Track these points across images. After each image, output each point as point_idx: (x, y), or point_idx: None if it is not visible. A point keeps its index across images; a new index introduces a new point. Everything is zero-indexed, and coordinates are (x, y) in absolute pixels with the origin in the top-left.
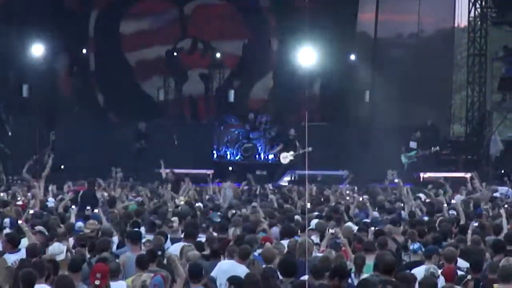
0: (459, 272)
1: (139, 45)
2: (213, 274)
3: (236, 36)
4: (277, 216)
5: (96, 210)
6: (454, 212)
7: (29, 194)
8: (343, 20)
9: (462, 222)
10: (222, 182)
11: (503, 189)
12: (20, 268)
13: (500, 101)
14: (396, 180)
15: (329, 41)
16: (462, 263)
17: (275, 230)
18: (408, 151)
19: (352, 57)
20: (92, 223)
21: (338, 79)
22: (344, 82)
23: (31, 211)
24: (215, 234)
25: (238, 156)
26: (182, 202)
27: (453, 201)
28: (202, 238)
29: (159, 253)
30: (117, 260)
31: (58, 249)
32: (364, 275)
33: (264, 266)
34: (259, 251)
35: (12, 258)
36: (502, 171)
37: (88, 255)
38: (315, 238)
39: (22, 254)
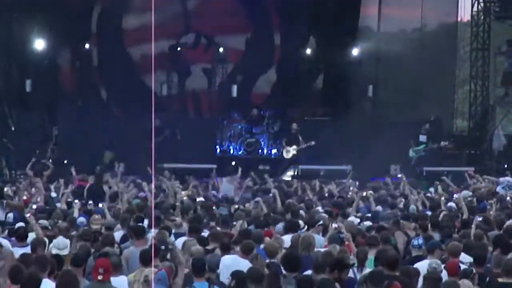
0: (462, 266)
1: (142, 40)
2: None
3: (239, 30)
4: (280, 211)
5: (100, 205)
6: (453, 205)
7: (32, 189)
8: (346, 15)
9: (465, 216)
10: (221, 177)
11: (504, 180)
12: (22, 262)
13: (503, 95)
14: (399, 175)
15: (332, 36)
16: (465, 258)
17: (280, 226)
18: (417, 145)
19: (355, 51)
20: (97, 218)
21: (341, 73)
22: (347, 76)
23: (34, 206)
24: (218, 228)
25: (241, 151)
26: (185, 197)
27: (455, 196)
28: (204, 233)
29: (163, 248)
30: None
31: (63, 244)
32: (367, 269)
33: (267, 261)
34: (262, 246)
35: (19, 252)
36: (505, 166)
37: (92, 250)
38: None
39: (29, 249)
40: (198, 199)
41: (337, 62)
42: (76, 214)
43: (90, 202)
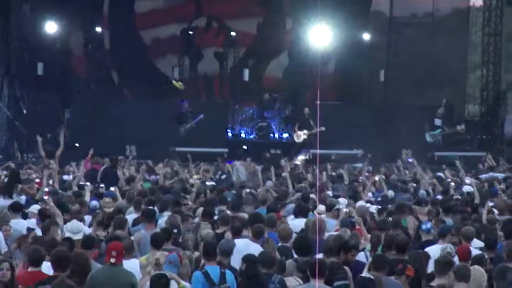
0: (473, 251)
1: (154, 24)
2: None
3: (251, 14)
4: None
5: (112, 188)
6: (469, 189)
7: (44, 172)
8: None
9: (476, 201)
10: (234, 160)
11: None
12: (33, 244)
13: None
14: (410, 160)
15: (343, 20)
16: (476, 242)
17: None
18: (433, 129)
19: (367, 36)
20: (108, 201)
21: (352, 58)
22: (358, 61)
23: (46, 189)
24: (228, 212)
25: (253, 135)
26: (197, 181)
27: (466, 181)
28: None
29: (175, 231)
30: (132, 238)
31: (76, 228)
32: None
33: (279, 244)
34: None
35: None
36: None
37: (104, 233)
38: (326, 217)
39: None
40: (208, 183)
41: (348, 47)
42: (87, 197)
43: (102, 185)
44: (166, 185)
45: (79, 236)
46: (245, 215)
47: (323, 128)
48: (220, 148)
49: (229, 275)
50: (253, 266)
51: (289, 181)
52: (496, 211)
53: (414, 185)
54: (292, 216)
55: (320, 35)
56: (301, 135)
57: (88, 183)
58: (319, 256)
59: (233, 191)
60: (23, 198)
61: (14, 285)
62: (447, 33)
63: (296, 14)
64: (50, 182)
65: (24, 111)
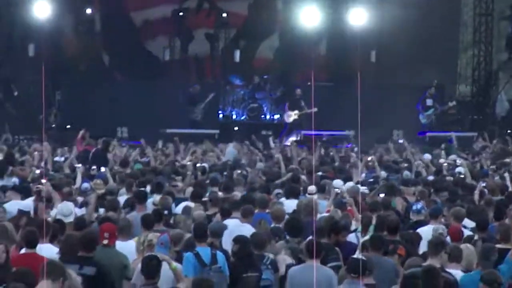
0: (466, 232)
1: (144, 5)
2: None
3: None
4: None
5: (103, 169)
6: (461, 170)
7: (35, 153)
8: None
9: (468, 181)
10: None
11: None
12: (26, 226)
13: (507, 60)
14: (400, 141)
15: (334, 1)
16: (468, 223)
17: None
18: (425, 110)
19: (358, 16)
20: (99, 183)
21: (344, 38)
22: (350, 41)
23: (37, 171)
24: (220, 194)
25: (244, 116)
26: (188, 163)
27: (458, 161)
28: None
29: (166, 212)
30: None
31: (67, 210)
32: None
33: (272, 225)
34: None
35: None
36: (508, 131)
37: (95, 215)
38: (318, 198)
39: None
40: (198, 165)
41: (340, 27)
42: (79, 178)
43: (94, 167)
44: (157, 167)
45: (70, 219)
46: (238, 196)
47: (315, 109)
48: (212, 130)
49: (220, 256)
50: (245, 247)
51: (281, 163)
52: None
53: (406, 165)
54: (284, 198)
55: (311, 16)
56: (291, 115)
57: (80, 165)
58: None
59: (215, 173)
60: (15, 180)
61: (8, 267)
62: (439, 13)
63: None
64: (42, 164)
65: (15, 93)
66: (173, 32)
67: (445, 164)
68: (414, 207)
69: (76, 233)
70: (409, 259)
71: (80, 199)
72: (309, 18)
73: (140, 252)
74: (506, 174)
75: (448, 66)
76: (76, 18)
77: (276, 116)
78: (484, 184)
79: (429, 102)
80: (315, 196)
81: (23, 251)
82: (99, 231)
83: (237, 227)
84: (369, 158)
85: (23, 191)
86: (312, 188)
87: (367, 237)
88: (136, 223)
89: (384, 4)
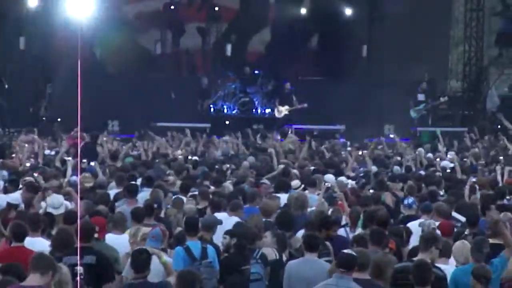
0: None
1: None
2: None
3: None
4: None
5: (92, 163)
6: (447, 165)
7: (25, 146)
8: None
9: (458, 176)
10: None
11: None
12: (16, 219)
13: (497, 56)
14: (391, 135)
15: None
16: (459, 217)
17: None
18: (416, 105)
19: (349, 11)
20: (88, 176)
21: (335, 33)
22: (341, 36)
23: (28, 164)
24: (212, 188)
25: (235, 110)
26: (180, 156)
27: (449, 156)
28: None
29: (156, 206)
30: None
31: (57, 202)
32: (359, 229)
33: (263, 220)
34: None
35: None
36: (499, 126)
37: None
38: (308, 193)
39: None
40: (190, 158)
41: (331, 22)
42: (69, 172)
43: (84, 161)
44: (148, 160)
45: (60, 211)
46: (230, 188)
47: (305, 105)
48: (203, 123)
49: (210, 250)
50: (242, 240)
51: (274, 157)
52: (477, 187)
53: (399, 159)
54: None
55: (302, 10)
56: (282, 111)
57: (70, 158)
58: (302, 231)
59: (216, 166)
60: (5, 174)
61: None
62: (429, 8)
63: None
64: (33, 157)
65: (6, 86)
66: (164, 25)
67: (438, 159)
68: (405, 202)
69: (67, 226)
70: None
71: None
72: (300, 12)
73: (131, 245)
74: (498, 167)
75: (439, 61)
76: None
77: (268, 110)
78: (474, 179)
79: (420, 97)
80: (306, 191)
81: (13, 244)
82: None
83: (226, 220)
84: (360, 153)
85: (13, 183)
86: (295, 182)
87: (358, 231)
88: (127, 216)
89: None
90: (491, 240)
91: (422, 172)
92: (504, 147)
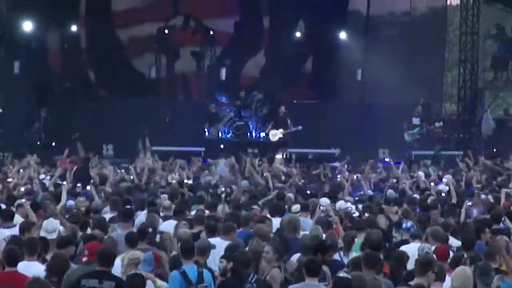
0: (451, 251)
1: (131, 22)
2: None
3: (228, 13)
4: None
5: (88, 187)
6: (442, 189)
7: (20, 171)
8: None
9: (453, 200)
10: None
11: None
12: (13, 244)
13: (492, 79)
14: (387, 159)
15: (321, 19)
16: (454, 242)
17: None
18: (410, 129)
19: (344, 35)
20: (82, 200)
21: (330, 57)
22: (335, 60)
23: (22, 188)
24: (207, 212)
25: (230, 134)
26: (174, 181)
27: (444, 180)
28: (191, 216)
29: (150, 230)
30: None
31: (51, 227)
32: (353, 254)
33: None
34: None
35: (6, 233)
36: (494, 150)
37: (80, 233)
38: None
39: (16, 230)
40: (186, 181)
41: (326, 45)
42: (64, 196)
43: (78, 185)
44: (141, 184)
45: (53, 236)
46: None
47: (299, 128)
48: (198, 147)
49: (206, 274)
50: (239, 265)
51: (270, 181)
52: (474, 211)
53: (394, 180)
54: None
55: (297, 34)
56: (276, 134)
57: (64, 183)
58: (297, 255)
59: (210, 190)
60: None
61: None
62: (424, 31)
63: (273, 13)
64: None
65: (0, 110)
66: (159, 49)
67: (432, 183)
68: (404, 225)
69: (62, 251)
70: None
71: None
72: (295, 36)
73: (122, 270)
74: (504, 190)
75: (434, 84)
76: (62, 35)
77: (262, 134)
78: (470, 203)
79: (415, 120)
80: (298, 214)
81: (6, 269)
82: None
83: (220, 245)
84: (355, 177)
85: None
86: (296, 207)
87: (352, 256)
88: (121, 241)
89: (370, 23)
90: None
91: (417, 196)
92: (497, 171)
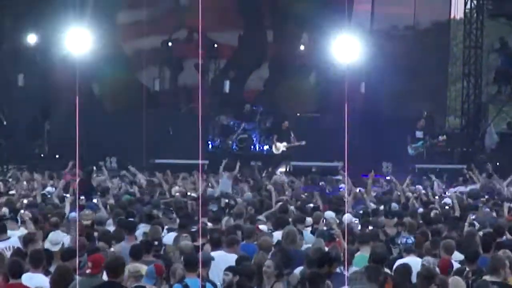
0: (454, 264)
1: (135, 35)
2: None
3: (232, 27)
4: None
5: (95, 200)
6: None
7: (24, 183)
8: (339, 12)
9: (456, 214)
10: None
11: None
12: (13, 256)
13: (496, 93)
14: (388, 178)
15: (324, 32)
16: (457, 255)
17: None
18: (413, 142)
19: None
20: (88, 213)
21: (333, 70)
22: (339, 73)
23: (25, 201)
24: (210, 224)
25: (233, 147)
26: (177, 193)
27: (447, 193)
28: (194, 229)
29: (156, 243)
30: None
31: (55, 239)
32: (353, 268)
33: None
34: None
35: (0, 246)
36: (497, 163)
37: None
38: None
39: (12, 242)
40: (189, 193)
41: (329, 59)
42: (67, 208)
43: (82, 197)
44: (144, 198)
45: (57, 248)
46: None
47: (303, 143)
48: (201, 160)
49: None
50: (244, 279)
51: (273, 194)
52: (477, 224)
53: (399, 194)
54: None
55: (301, 47)
56: (280, 147)
57: (68, 195)
58: (300, 268)
59: (213, 204)
60: (6, 211)
61: None
62: (428, 45)
63: (276, 26)
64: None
65: (4, 122)
66: (163, 62)
67: (437, 197)
68: (403, 240)
69: (66, 263)
70: None
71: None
72: (298, 49)
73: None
74: (507, 204)
75: (438, 98)
76: (65, 48)
77: (266, 147)
78: (473, 217)
79: (418, 134)
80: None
81: (10, 281)
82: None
83: (225, 257)
84: (357, 190)
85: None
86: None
87: (353, 269)
88: (125, 253)
89: (374, 36)
90: (489, 278)
91: (421, 210)
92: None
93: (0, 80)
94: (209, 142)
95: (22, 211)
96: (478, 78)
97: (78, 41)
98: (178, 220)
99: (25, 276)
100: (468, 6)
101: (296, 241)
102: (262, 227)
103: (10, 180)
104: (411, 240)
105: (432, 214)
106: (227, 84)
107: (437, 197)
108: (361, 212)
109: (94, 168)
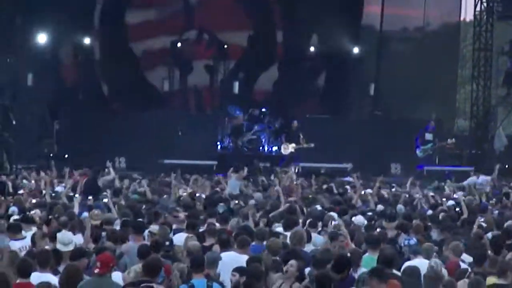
0: (462, 266)
1: (144, 35)
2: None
3: (242, 27)
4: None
5: (105, 200)
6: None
7: (32, 182)
8: (348, 13)
9: (465, 216)
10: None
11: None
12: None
13: (505, 95)
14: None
15: (334, 34)
16: (466, 257)
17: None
18: (423, 144)
19: (357, 49)
20: (97, 213)
21: (342, 71)
22: (348, 74)
23: (34, 200)
24: (217, 225)
25: (243, 148)
26: (185, 193)
27: (455, 196)
28: (202, 229)
29: (167, 243)
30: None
31: (68, 239)
32: (362, 269)
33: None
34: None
35: (17, 245)
36: (506, 166)
37: (93, 245)
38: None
39: (27, 242)
40: (198, 194)
41: (339, 60)
42: (76, 208)
43: (90, 197)
44: (152, 198)
45: (69, 248)
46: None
47: (312, 145)
48: (210, 161)
49: None
50: (251, 278)
51: (281, 195)
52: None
53: (407, 196)
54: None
55: (310, 48)
56: (288, 148)
57: (77, 195)
58: (308, 269)
59: (221, 205)
60: (15, 210)
61: None
62: (437, 47)
63: (286, 27)
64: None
65: (13, 122)
66: (172, 62)
67: (444, 199)
68: (406, 242)
69: (75, 263)
70: None
71: None
72: (308, 50)
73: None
74: None
75: (447, 100)
76: (75, 48)
77: (275, 148)
78: (482, 219)
79: (428, 136)
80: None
81: (19, 280)
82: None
83: (235, 258)
84: (363, 192)
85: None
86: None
87: (360, 272)
88: (133, 253)
89: (383, 38)
90: (495, 280)
91: (430, 211)
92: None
93: (9, 80)
94: (218, 143)
95: (33, 211)
96: (487, 81)
97: (87, 41)
98: (185, 221)
99: (33, 275)
100: (478, 8)
101: (303, 242)
102: (279, 229)
103: (19, 179)
104: (413, 241)
105: (440, 216)
106: (236, 84)
107: (444, 199)
108: (369, 214)
109: (106, 167)
